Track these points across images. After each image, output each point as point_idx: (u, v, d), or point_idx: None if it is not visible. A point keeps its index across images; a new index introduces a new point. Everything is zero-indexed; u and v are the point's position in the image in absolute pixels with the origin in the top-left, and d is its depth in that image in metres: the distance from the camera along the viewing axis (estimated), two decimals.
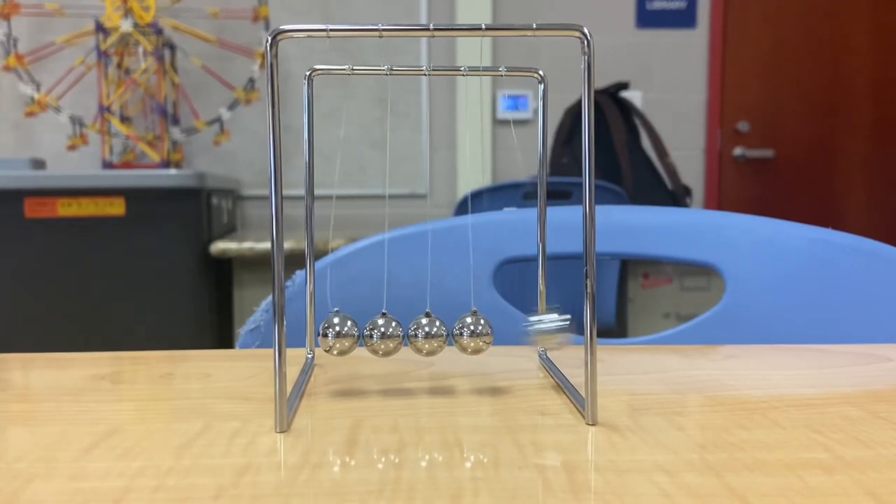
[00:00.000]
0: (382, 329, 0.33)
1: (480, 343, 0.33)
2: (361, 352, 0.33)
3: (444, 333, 0.33)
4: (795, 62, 2.54)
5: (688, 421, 0.30)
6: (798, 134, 2.57)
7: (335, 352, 0.33)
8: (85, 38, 2.09)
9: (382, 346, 0.33)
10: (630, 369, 0.39)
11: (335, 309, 0.33)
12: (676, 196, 1.99)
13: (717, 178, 2.51)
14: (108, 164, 2.04)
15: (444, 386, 0.36)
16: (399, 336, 0.33)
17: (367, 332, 0.33)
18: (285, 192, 0.28)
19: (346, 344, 0.32)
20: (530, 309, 0.38)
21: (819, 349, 0.44)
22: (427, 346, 0.33)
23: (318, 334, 0.33)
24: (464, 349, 0.34)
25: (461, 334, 0.33)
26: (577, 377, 0.35)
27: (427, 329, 0.33)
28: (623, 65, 2.42)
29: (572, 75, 2.32)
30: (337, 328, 0.32)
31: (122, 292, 1.68)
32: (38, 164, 1.80)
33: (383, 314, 0.33)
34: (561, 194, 1.77)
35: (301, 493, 0.23)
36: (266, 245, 1.72)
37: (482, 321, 0.34)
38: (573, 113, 2.06)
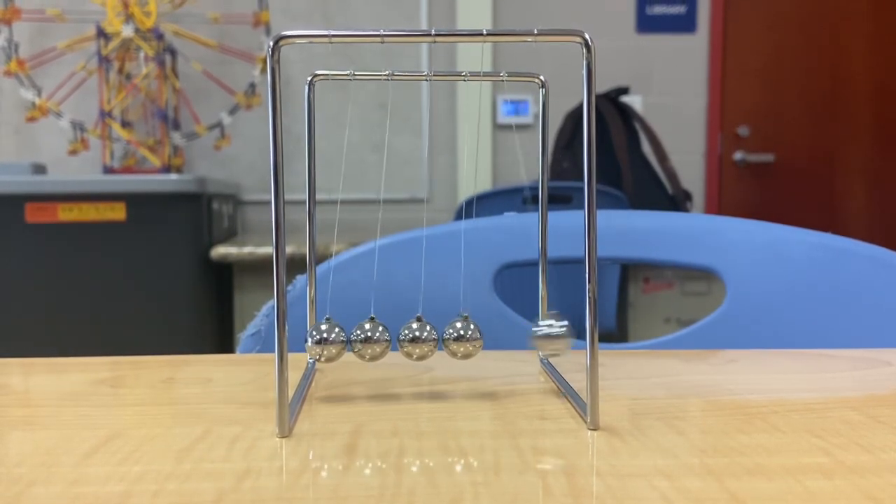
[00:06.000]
0: (369, 334, 0.32)
1: (470, 347, 0.33)
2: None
3: (434, 338, 0.33)
4: (796, 66, 2.54)
5: (688, 425, 0.30)
6: (798, 138, 2.57)
7: (322, 359, 0.32)
8: (86, 44, 2.09)
9: (369, 351, 0.33)
10: (631, 374, 0.39)
11: (327, 316, 0.33)
12: (677, 200, 1.99)
13: (718, 183, 2.51)
14: (108, 169, 2.04)
15: (445, 391, 0.36)
16: (386, 341, 0.33)
17: (353, 337, 0.33)
18: (285, 196, 0.28)
19: (334, 351, 0.32)
20: (532, 314, 0.38)
21: (819, 353, 0.44)
22: (417, 350, 0.33)
23: (305, 341, 0.33)
24: (453, 354, 0.33)
25: (450, 339, 0.33)
26: (578, 382, 0.35)
27: (417, 333, 0.33)
28: (623, 69, 2.42)
29: (573, 80, 2.32)
30: (324, 334, 0.32)
31: (123, 297, 1.68)
32: (39, 168, 1.81)
33: (371, 319, 0.33)
34: (561, 199, 1.77)
35: (302, 498, 0.23)
36: (266, 250, 1.72)
37: (472, 326, 0.33)
38: (574, 117, 2.06)
